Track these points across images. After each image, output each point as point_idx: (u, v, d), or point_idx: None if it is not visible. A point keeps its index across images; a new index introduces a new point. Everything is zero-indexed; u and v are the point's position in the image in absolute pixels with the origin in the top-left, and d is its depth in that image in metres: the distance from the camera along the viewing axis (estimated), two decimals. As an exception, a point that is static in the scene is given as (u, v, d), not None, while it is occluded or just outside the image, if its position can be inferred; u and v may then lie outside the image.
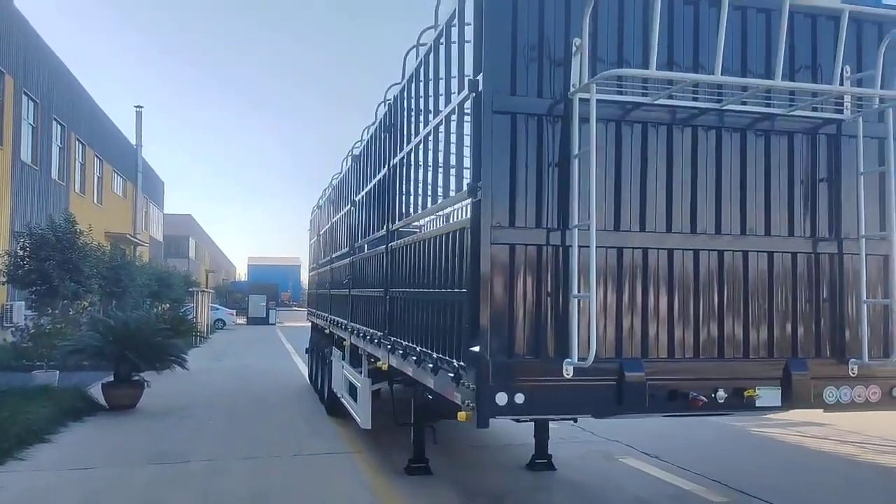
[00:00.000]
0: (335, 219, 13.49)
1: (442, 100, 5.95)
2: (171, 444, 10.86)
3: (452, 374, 5.17)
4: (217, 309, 43.51)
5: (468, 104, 5.10)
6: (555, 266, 4.92)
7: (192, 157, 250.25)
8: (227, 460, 9.80)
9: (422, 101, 6.79)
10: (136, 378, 14.38)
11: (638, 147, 5.10)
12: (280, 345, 32.18)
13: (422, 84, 6.76)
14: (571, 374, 4.77)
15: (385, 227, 8.18)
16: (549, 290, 4.90)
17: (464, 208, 5.35)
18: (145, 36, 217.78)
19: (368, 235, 9.61)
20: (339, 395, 12.12)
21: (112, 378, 14.34)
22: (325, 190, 16.07)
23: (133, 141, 43.98)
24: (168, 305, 33.33)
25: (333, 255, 13.65)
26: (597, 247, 4.84)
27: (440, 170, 6.04)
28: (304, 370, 20.51)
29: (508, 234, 4.82)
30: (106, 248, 27.46)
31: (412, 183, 7.13)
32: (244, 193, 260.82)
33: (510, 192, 4.85)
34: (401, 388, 9.28)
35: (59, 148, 29.86)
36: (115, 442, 10.98)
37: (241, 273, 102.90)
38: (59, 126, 29.59)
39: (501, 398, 4.69)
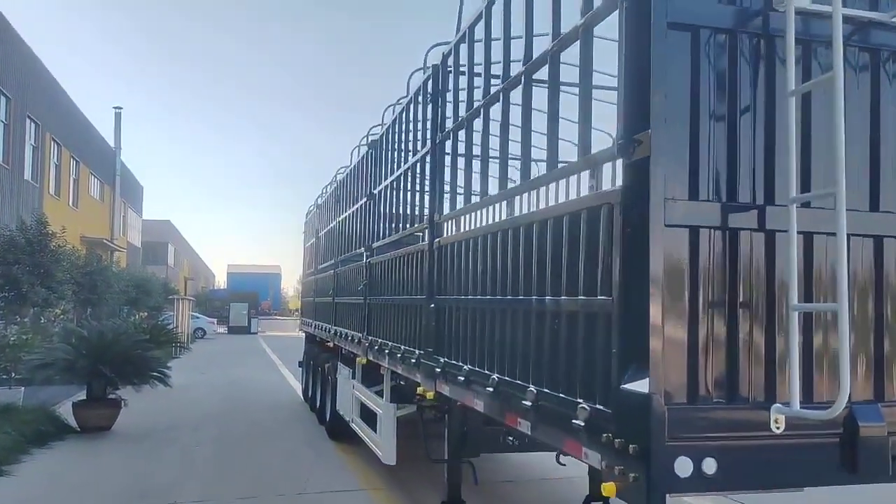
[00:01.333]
0: (342, 217, 11.70)
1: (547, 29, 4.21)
2: (154, 477, 9.04)
3: (581, 423, 3.42)
4: (197, 317, 41.36)
5: (613, 19, 3.38)
6: (755, 260, 3.20)
7: (172, 161, 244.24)
8: (222, 499, 8.02)
9: (495, 49, 5.07)
10: (112, 396, 12.53)
11: (866, 84, 3.40)
12: (265, 356, 30.18)
13: (494, 34, 5.07)
14: (783, 428, 3.06)
15: (428, 219, 6.43)
16: (745, 297, 3.17)
17: (601, 177, 3.60)
18: (127, 32, 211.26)
19: (396, 232, 7.86)
20: (347, 420, 10.32)
21: (84, 396, 12.44)
22: (325, 187, 14.29)
23: (111, 143, 41.74)
24: (146, 314, 31.27)
25: (339, 259, 11.86)
26: (814, 232, 3.17)
27: (539, 133, 4.33)
28: (296, 385, 18.67)
29: (690, 211, 3.08)
30: (81, 253, 25.38)
31: (479, 157, 5.40)
32: (224, 199, 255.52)
33: (691, 150, 3.13)
34: (433, 413, 7.59)
35: (33, 147, 27.71)
36: (87, 475, 9.12)
37: (221, 281, 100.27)
38: (33, 124, 27.45)
39: (684, 466, 2.96)
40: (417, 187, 7.09)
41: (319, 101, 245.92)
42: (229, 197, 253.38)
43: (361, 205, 9.95)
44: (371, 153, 9.33)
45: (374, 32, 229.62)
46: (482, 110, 5.21)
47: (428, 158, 6.53)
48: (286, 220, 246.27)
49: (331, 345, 11.91)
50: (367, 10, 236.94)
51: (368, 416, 9.23)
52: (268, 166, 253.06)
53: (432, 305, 6.10)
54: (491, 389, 4.60)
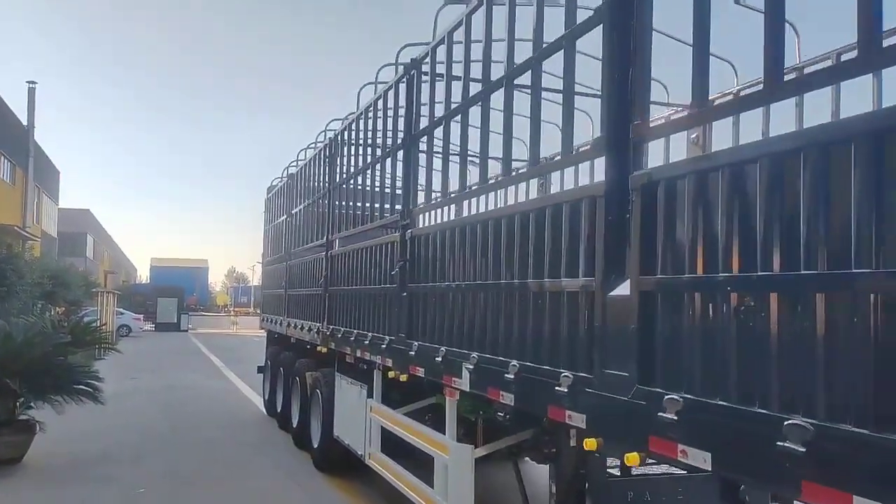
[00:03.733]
0: (338, 181, 8.85)
1: None
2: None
3: None
4: (122, 313, 37.24)
5: None
6: None
7: (91, 148, 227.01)
8: None
9: None
10: (24, 417, 9.36)
11: None
12: (203, 356, 26.69)
13: None
14: None
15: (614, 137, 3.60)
16: None
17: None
18: (43, 7, 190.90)
19: (484, 181, 5.10)
20: (358, 453, 7.56)
21: (-15, 418, 9.27)
22: (302, 151, 11.37)
23: (24, 121, 37.18)
24: (64, 309, 27.31)
25: (335, 237, 9.01)
26: None
27: None
28: (251, 394, 15.65)
29: None
30: (-14, 238, 21.56)
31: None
32: (147, 191, 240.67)
33: None
34: (536, 456, 5.05)
35: (-71, 116, 23.62)
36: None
37: (143, 275, 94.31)
38: (-71, 89, 23.37)
39: None
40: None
41: (249, 94, 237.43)
42: (152, 189, 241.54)
43: (384, 155, 7.14)
44: (411, 77, 6.46)
45: (319, 17, 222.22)
46: None
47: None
48: (214, 214, 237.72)
49: (322, 350, 9.03)
50: None
51: (404, 453, 6.53)
52: (192, 159, 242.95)
53: (627, 292, 3.36)
54: None
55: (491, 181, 5.12)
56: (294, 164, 11.90)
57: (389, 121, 7.13)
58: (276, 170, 14.12)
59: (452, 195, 5.64)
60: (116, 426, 11.43)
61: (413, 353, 5.86)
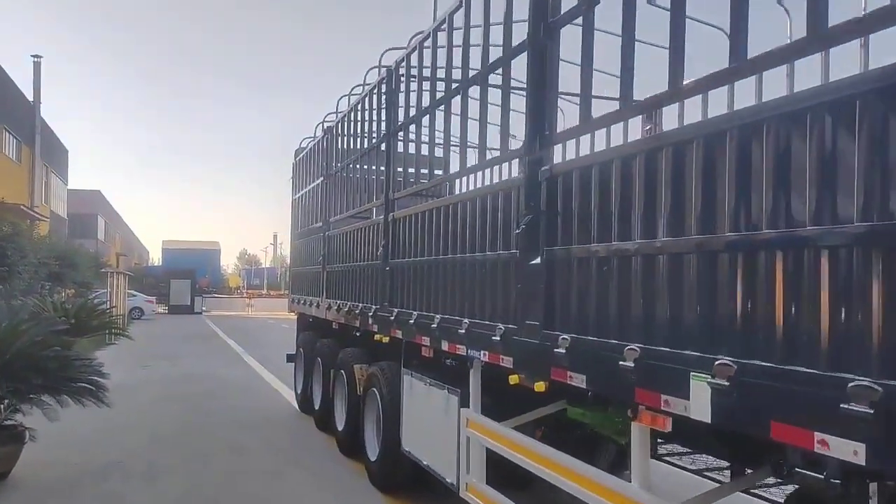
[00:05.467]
0: (405, 118, 6.73)
1: None
2: None
3: None
4: (134, 296, 35.29)
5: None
6: None
7: (101, 128, 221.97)
8: None
9: None
10: (10, 423, 7.40)
11: None
12: (220, 341, 24.66)
13: None
14: None
15: None
16: None
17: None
18: None
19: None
20: (447, 481, 5.55)
21: (-39, 425, 7.30)
22: (344, 98, 9.23)
23: (30, 96, 35.04)
24: (73, 291, 25.35)
25: (395, 197, 6.94)
26: None
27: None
28: (277, 383, 13.68)
29: None
30: (-14, 215, 19.54)
31: None
32: (158, 172, 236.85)
33: None
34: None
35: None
36: None
37: (155, 258, 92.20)
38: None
39: None
40: None
41: (264, 73, 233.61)
42: (163, 172, 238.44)
43: (490, 66, 5.02)
44: None
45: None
46: None
47: None
48: (225, 196, 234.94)
49: (383, 340, 6.97)
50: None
51: (515, 481, 4.52)
52: (203, 141, 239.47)
53: None
54: None
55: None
56: (332, 114, 9.77)
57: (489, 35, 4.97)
58: (291, 152, 11.99)
59: (642, 102, 3.51)
60: (126, 427, 9.44)
61: (562, 350, 3.79)
